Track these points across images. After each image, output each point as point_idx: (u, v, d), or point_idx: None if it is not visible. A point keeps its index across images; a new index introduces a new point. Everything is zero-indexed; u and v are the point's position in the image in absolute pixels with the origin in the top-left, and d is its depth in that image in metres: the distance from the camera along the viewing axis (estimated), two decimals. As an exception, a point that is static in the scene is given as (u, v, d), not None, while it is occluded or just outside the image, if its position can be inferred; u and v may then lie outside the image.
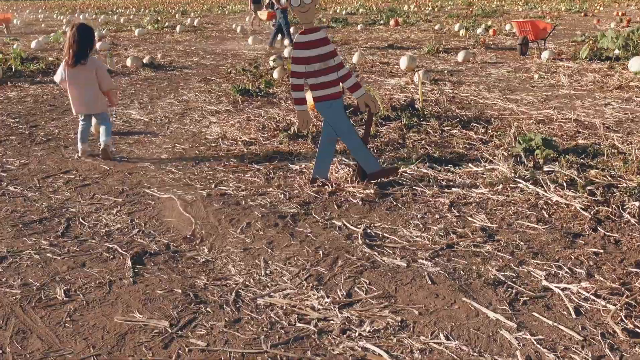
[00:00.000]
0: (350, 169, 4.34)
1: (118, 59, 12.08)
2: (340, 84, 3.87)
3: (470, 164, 4.42)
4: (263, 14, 19.32)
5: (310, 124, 4.02)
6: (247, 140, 5.45)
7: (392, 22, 20.33)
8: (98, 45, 14.01)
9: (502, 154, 4.54)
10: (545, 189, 3.80)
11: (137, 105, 7.34)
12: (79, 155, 5.04)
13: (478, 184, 4.01)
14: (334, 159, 4.42)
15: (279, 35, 14.67)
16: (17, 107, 7.37)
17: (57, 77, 5.02)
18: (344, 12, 28.90)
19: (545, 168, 4.20)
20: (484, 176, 4.13)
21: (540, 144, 4.63)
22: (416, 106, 6.39)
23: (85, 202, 3.96)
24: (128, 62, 10.81)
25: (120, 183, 4.32)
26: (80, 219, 3.63)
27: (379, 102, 6.26)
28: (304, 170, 4.48)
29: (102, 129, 4.99)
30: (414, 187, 3.99)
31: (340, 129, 3.91)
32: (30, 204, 3.93)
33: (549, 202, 3.65)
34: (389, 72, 9.65)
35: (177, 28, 19.94)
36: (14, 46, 14.10)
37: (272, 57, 10.76)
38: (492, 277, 2.75)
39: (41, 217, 3.67)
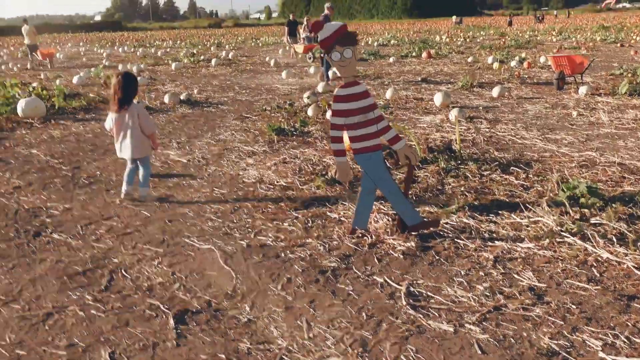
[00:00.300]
0: (390, 219, 4.30)
1: (156, 95, 12.36)
2: (380, 136, 3.85)
3: (512, 215, 4.33)
4: (299, 47, 19.35)
5: (350, 176, 4.00)
6: (284, 184, 5.46)
7: (424, 54, 20.38)
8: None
9: (546, 204, 4.42)
10: (594, 244, 3.68)
11: (176, 145, 7.45)
12: (122, 196, 5.12)
13: (523, 237, 3.92)
14: (373, 207, 4.39)
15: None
16: (61, 146, 7.57)
17: (107, 125, 5.13)
18: (375, 44, 29.14)
19: (593, 220, 4.08)
20: (529, 229, 4.03)
21: (585, 192, 4.51)
22: (453, 148, 6.33)
23: (128, 252, 4.00)
24: (166, 99, 11.04)
25: (161, 232, 4.35)
26: (123, 271, 3.66)
27: (416, 143, 6.23)
28: (343, 219, 4.45)
29: (141, 174, 5.10)
30: (456, 240, 3.92)
31: (380, 181, 3.88)
32: (74, 254, 3.98)
33: (599, 259, 3.53)
34: (423, 108, 9.61)
35: (213, 61, 20.38)
36: (57, 82, 14.59)
37: (306, 94, 10.85)
38: (544, 346, 2.65)
39: (85, 269, 3.72)
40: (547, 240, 3.79)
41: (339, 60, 3.68)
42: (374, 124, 3.81)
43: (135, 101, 5.12)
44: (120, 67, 19.66)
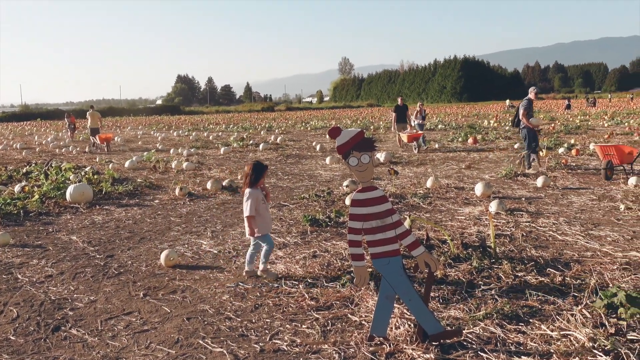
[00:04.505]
0: (412, 324, 4.11)
1: (201, 180, 12.67)
2: (399, 241, 3.75)
3: (543, 325, 4.06)
4: (404, 136, 18.08)
5: (368, 280, 3.88)
6: (310, 281, 5.36)
7: (470, 140, 20.30)
8: (185, 165, 14.88)
9: (580, 314, 4.14)
10: (630, 365, 3.38)
11: (210, 234, 7.52)
12: (243, 273, 5.62)
13: (552, 351, 3.64)
14: (394, 310, 4.22)
15: (532, 156, 12.76)
16: (100, 233, 7.76)
17: None
18: (422, 128, 29.33)
19: (630, 335, 3.77)
20: (559, 343, 3.75)
21: (624, 301, 4.21)
22: (488, 244, 6.12)
23: (140, 352, 3.94)
24: (208, 185, 11.29)
25: (177, 330, 4.29)
26: (131, 375, 3.60)
27: (449, 240, 6.07)
28: (364, 322, 4.29)
29: (262, 253, 5.60)
30: (479, 353, 3.68)
31: (399, 287, 3.75)
32: (87, 352, 3.95)
33: (635, 383, 3.22)
34: (463, 199, 9.45)
35: (261, 146, 20.93)
36: (109, 166, 15.25)
37: (346, 182, 10.89)
38: None
39: (94, 370, 3.67)
40: (577, 359, 3.50)
41: (356, 166, 3.68)
42: (392, 229, 3.73)
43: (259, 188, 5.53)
44: (172, 151, 20.42)
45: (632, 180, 10.13)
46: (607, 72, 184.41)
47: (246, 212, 5.43)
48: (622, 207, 8.27)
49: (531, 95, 12.68)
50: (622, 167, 11.40)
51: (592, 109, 51.23)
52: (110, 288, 5.40)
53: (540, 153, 15.38)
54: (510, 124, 14.79)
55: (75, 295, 5.19)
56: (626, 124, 27.87)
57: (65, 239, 7.45)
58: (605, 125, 28.13)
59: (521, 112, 12.44)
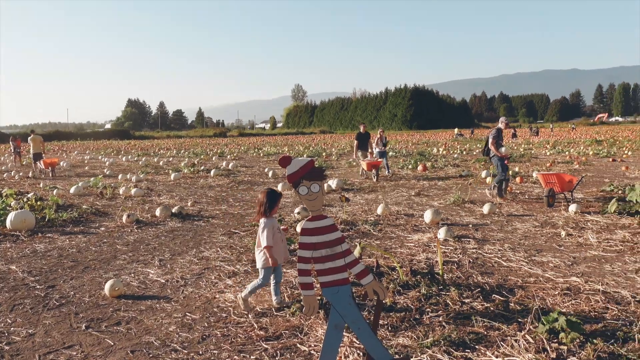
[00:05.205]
0: (361, 353, 4.11)
1: (150, 207, 12.41)
2: (348, 270, 3.77)
3: (488, 351, 4.14)
4: (364, 163, 17.74)
5: (317, 309, 3.88)
6: (260, 310, 5.31)
7: (420, 167, 20.66)
8: (133, 191, 14.56)
9: (524, 340, 4.25)
10: (570, 389, 3.48)
11: (157, 262, 7.36)
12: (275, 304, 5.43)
13: (496, 377, 3.72)
14: (343, 339, 4.22)
15: (504, 184, 12.82)
16: (41, 262, 7.48)
17: None
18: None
19: (570, 359, 3.89)
20: (503, 369, 3.84)
21: (564, 326, 4.35)
22: (436, 271, 6.22)
23: (81, 388, 3.80)
24: (157, 212, 11.07)
25: (120, 364, 4.16)
26: (70, 412, 3.45)
27: (398, 267, 6.13)
28: (313, 352, 4.26)
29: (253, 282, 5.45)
30: (426, 381, 3.72)
31: (348, 316, 3.75)
32: (24, 389, 3.78)
33: (575, 407, 3.31)
34: (412, 225, 9.58)
35: (212, 172, 20.66)
36: (54, 192, 14.76)
37: (297, 209, 10.89)
38: None
39: (31, 408, 3.51)
40: (521, 384, 3.59)
41: (306, 195, 3.69)
42: (342, 258, 3.75)
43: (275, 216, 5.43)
44: (120, 176, 19.97)
45: (572, 207, 10.53)
46: (549, 103, 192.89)
47: (264, 242, 5.20)
48: (563, 233, 8.57)
49: (501, 125, 13.06)
50: (563, 195, 11.87)
51: (535, 138, 53.27)
52: (51, 320, 5.19)
53: (487, 180, 15.86)
54: (481, 152, 14.85)
55: (12, 329, 4.96)
56: (567, 152, 29.07)
57: (3, 268, 7.13)
58: (548, 153, 29.25)
59: (490, 140, 12.76)
